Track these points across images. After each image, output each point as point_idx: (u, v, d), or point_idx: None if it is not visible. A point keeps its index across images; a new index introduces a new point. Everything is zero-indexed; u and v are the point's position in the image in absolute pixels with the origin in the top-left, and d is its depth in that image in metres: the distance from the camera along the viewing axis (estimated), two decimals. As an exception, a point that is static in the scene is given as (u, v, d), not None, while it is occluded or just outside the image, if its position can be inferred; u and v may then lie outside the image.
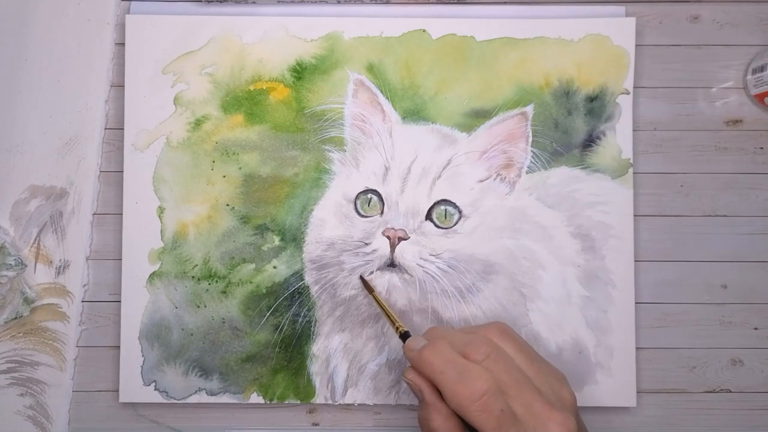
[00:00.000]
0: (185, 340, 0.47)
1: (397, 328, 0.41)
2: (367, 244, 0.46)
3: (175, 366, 0.46)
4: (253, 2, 0.49)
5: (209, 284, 0.47)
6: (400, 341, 0.45)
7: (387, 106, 0.47)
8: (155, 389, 0.46)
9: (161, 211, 0.47)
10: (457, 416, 0.34)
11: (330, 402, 0.46)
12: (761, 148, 0.48)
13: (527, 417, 0.33)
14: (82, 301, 0.48)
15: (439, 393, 0.35)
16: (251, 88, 0.47)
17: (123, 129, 0.47)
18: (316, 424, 0.48)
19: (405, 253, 0.45)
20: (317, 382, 0.46)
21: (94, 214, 0.48)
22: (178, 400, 0.46)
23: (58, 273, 0.47)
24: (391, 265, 0.45)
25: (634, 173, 0.47)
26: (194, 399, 0.46)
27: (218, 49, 0.47)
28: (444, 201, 0.46)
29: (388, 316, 0.42)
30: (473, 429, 0.34)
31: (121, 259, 0.47)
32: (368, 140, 0.47)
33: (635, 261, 0.47)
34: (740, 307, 0.48)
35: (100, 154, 0.48)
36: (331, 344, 0.46)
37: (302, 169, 0.47)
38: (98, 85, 0.48)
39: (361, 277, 0.46)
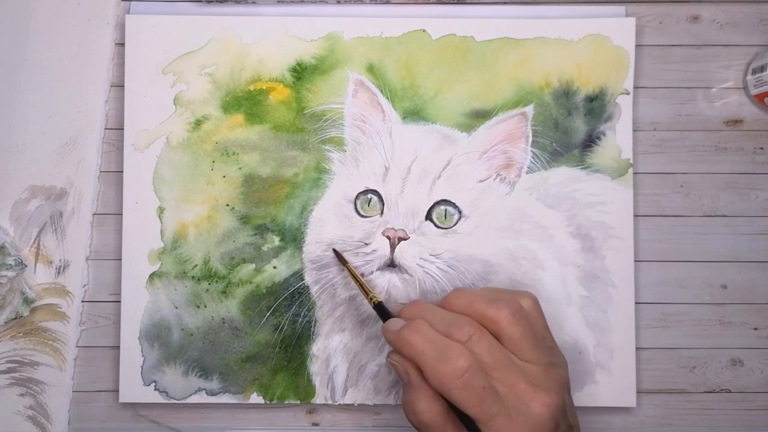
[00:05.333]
0: (185, 340, 0.47)
1: (371, 299, 0.41)
2: (367, 244, 0.46)
3: (175, 366, 0.46)
4: (253, 2, 0.49)
5: (209, 284, 0.47)
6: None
7: (387, 106, 0.47)
8: (155, 389, 0.46)
9: (161, 211, 0.47)
10: (442, 398, 0.34)
11: (330, 402, 0.46)
12: (761, 148, 0.48)
13: (510, 397, 0.33)
14: (82, 301, 0.48)
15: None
16: (251, 88, 0.47)
17: (123, 129, 0.47)
18: (316, 424, 0.48)
19: (405, 253, 0.45)
20: (317, 382, 0.46)
21: (94, 214, 0.48)
22: (178, 400, 0.46)
23: (58, 273, 0.47)
24: (391, 265, 0.45)
25: (634, 173, 0.47)
26: (194, 399, 0.46)
27: (218, 49, 0.47)
28: (444, 201, 0.46)
29: (362, 287, 0.42)
30: (458, 410, 0.34)
31: (121, 259, 0.47)
32: (368, 140, 0.47)
33: (635, 261, 0.47)
34: (740, 307, 0.48)
35: (100, 154, 0.48)
36: (331, 344, 0.46)
37: (302, 169, 0.47)
38: (98, 85, 0.48)
39: (334, 249, 0.45)
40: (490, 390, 0.33)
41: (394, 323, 0.37)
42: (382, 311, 0.40)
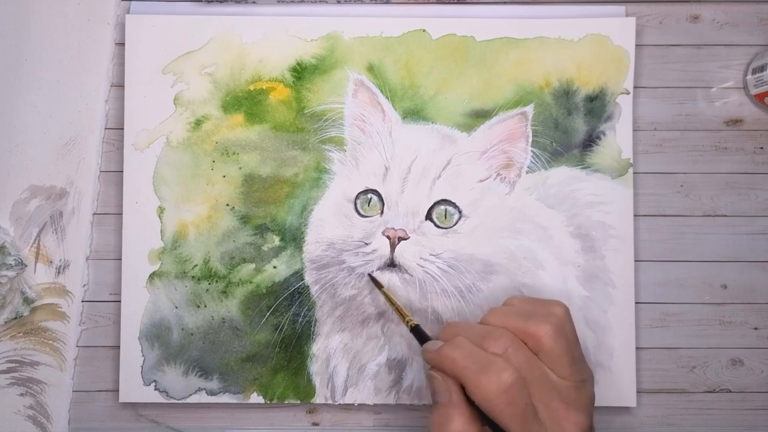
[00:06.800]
0: (185, 340, 0.47)
1: (408, 322, 0.41)
2: (367, 244, 0.46)
3: (175, 366, 0.46)
4: (253, 2, 0.49)
5: (209, 284, 0.47)
6: (400, 340, 0.45)
7: (387, 106, 0.47)
8: (155, 389, 0.46)
9: (161, 211, 0.47)
10: (479, 421, 0.34)
11: (330, 402, 0.46)
12: (761, 148, 0.48)
13: (545, 415, 0.33)
14: (82, 301, 0.48)
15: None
16: (251, 88, 0.47)
17: (123, 129, 0.47)
18: (316, 424, 0.48)
19: (405, 252, 0.45)
20: (317, 382, 0.46)
21: (94, 214, 0.48)
22: (178, 400, 0.46)
23: (58, 273, 0.47)
24: (391, 265, 0.45)
25: (634, 173, 0.47)
26: (194, 399, 0.46)
27: (218, 49, 0.47)
28: (444, 201, 0.46)
29: (398, 311, 0.42)
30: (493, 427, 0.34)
31: (121, 259, 0.47)
32: (368, 140, 0.47)
33: (635, 261, 0.47)
34: (740, 307, 0.48)
35: (100, 154, 0.48)
36: (331, 344, 0.46)
37: (302, 169, 0.47)
38: (98, 85, 0.48)
39: (370, 275, 0.45)
40: (532, 407, 0.33)
41: (433, 344, 0.36)
42: (419, 334, 0.40)
